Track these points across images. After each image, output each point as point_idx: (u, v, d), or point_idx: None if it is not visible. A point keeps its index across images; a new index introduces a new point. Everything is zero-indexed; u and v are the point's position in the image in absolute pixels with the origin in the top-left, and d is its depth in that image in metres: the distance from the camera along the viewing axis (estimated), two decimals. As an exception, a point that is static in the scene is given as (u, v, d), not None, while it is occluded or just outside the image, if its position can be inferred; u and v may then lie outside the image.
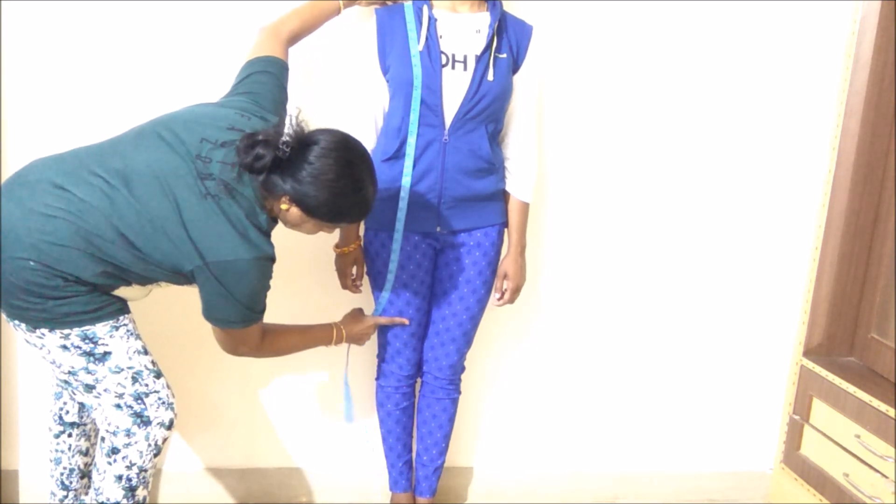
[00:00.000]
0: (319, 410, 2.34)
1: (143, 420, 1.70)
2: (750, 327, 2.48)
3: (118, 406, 1.69)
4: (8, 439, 2.24)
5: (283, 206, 1.64)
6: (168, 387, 1.74)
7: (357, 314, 2.09)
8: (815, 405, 2.35)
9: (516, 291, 2.12)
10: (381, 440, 2.24)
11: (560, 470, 2.51)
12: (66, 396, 1.92)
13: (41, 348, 1.65)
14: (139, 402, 1.69)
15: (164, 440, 1.74)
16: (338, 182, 1.60)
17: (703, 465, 2.56)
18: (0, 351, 2.17)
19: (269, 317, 1.77)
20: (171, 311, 2.12)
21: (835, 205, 2.32)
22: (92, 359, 1.65)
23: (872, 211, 2.30)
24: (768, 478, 2.57)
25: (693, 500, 2.56)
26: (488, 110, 1.93)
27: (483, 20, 1.94)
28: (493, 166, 2.00)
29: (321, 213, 1.64)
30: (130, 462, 1.71)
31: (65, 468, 1.96)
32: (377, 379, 2.19)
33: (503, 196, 2.08)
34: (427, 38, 1.90)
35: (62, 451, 1.95)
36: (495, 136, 2.02)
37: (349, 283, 2.12)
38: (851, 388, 2.18)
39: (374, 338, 2.15)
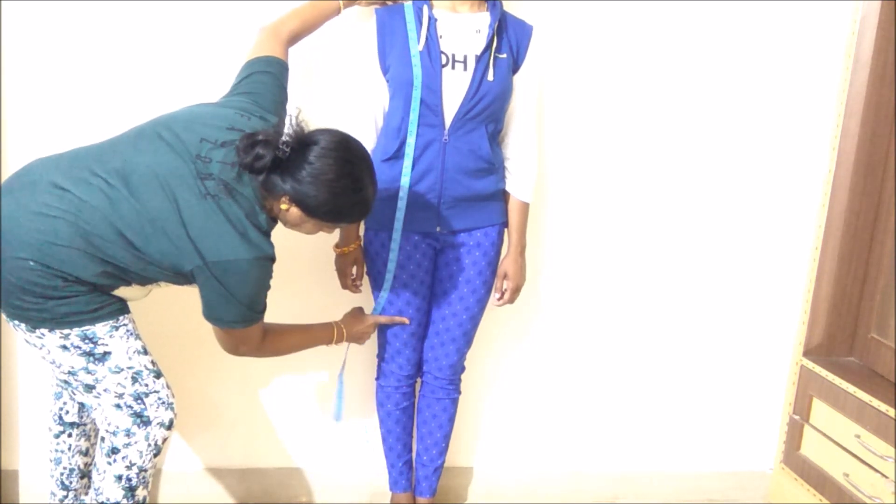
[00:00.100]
0: (319, 410, 2.34)
1: (142, 420, 1.70)
2: (750, 327, 2.48)
3: (118, 406, 1.69)
4: (8, 439, 2.24)
5: (283, 206, 1.64)
6: (168, 387, 1.74)
7: (357, 313, 2.09)
8: (815, 405, 2.35)
9: (516, 291, 2.12)
10: (381, 440, 2.24)
11: (560, 470, 2.51)
12: (66, 396, 1.92)
13: (41, 348, 1.65)
14: (139, 402, 1.69)
15: (164, 440, 1.74)
16: (338, 182, 1.60)
17: (703, 465, 2.56)
18: (0, 351, 2.17)
19: (269, 317, 1.77)
20: (171, 311, 2.12)
21: (835, 205, 2.32)
22: (92, 359, 1.65)
23: (872, 211, 2.30)
24: (768, 478, 2.57)
25: (693, 500, 2.56)
26: (488, 110, 1.93)
27: (483, 20, 1.94)
28: (493, 166, 2.00)
29: (321, 213, 1.64)
30: (130, 462, 1.71)
31: (65, 468, 1.96)
32: (377, 379, 2.19)
33: (503, 196, 2.08)
34: (427, 38, 1.90)
35: (62, 451, 1.95)
36: (495, 136, 2.02)
37: (349, 283, 2.12)
38: (851, 388, 2.18)
39: (374, 337, 2.15)
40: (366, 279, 2.12)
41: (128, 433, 1.69)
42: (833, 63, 2.31)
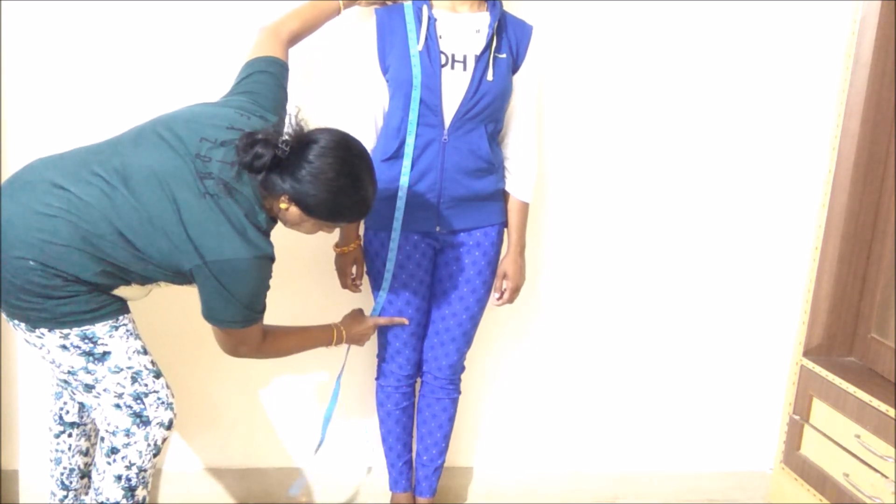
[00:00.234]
0: (319, 411, 2.34)
1: (142, 420, 1.70)
2: (750, 327, 2.48)
3: (117, 406, 1.68)
4: (8, 439, 2.24)
5: (283, 206, 1.64)
6: (168, 387, 1.74)
7: (357, 315, 2.08)
8: (815, 405, 2.35)
9: (516, 291, 2.12)
10: (381, 440, 2.24)
11: (560, 470, 2.51)
12: (66, 396, 1.92)
13: (41, 348, 1.65)
14: (138, 401, 1.69)
15: (164, 440, 1.74)
16: (337, 181, 1.60)
17: (703, 465, 2.56)
18: (0, 351, 2.17)
19: (269, 316, 1.77)
20: (171, 311, 2.12)
21: (835, 205, 2.32)
22: (91, 358, 1.65)
23: (872, 211, 2.30)
24: (768, 478, 2.57)
25: (693, 500, 2.56)
26: (488, 110, 1.93)
27: (483, 20, 1.94)
28: (493, 166, 2.00)
29: (320, 212, 1.64)
30: (130, 462, 1.70)
31: (65, 468, 1.96)
32: (377, 379, 2.19)
33: (503, 196, 2.08)
34: (427, 38, 1.90)
35: (62, 451, 1.95)
36: (495, 136, 2.02)
37: (349, 283, 2.12)
38: (851, 388, 2.18)
39: (374, 337, 2.15)
40: (365, 279, 2.12)
41: (127, 433, 1.69)
42: (833, 63, 2.31)
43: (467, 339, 2.13)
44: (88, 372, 1.66)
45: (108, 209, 1.57)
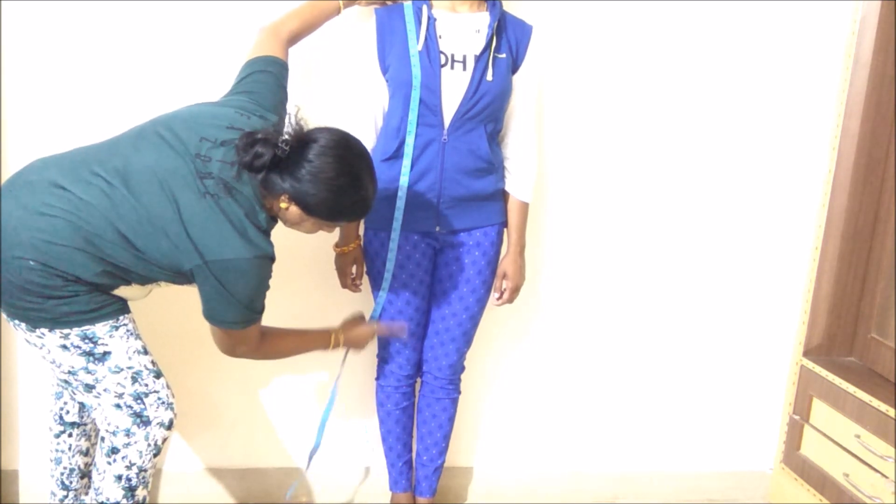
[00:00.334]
0: (319, 411, 2.34)
1: (142, 420, 1.70)
2: (750, 328, 2.48)
3: (118, 406, 1.69)
4: (8, 439, 2.24)
5: (283, 205, 1.64)
6: (168, 387, 1.74)
7: (356, 321, 2.05)
8: (815, 405, 2.35)
9: (515, 291, 2.12)
10: (381, 440, 2.24)
11: (560, 470, 2.51)
12: (66, 396, 1.92)
13: (41, 348, 1.65)
14: (139, 401, 1.69)
15: (164, 440, 1.74)
16: (337, 180, 1.60)
17: (703, 465, 2.56)
18: (0, 351, 2.17)
19: (269, 316, 1.77)
20: (171, 311, 2.12)
21: (835, 205, 2.32)
22: (91, 358, 1.65)
23: (872, 211, 2.30)
24: (768, 478, 2.57)
25: (693, 500, 2.56)
26: (487, 110, 1.93)
27: (482, 20, 1.94)
28: (493, 166, 2.00)
29: (320, 211, 1.64)
30: (130, 462, 1.71)
31: (65, 468, 1.96)
32: (377, 379, 2.19)
33: (502, 196, 2.08)
34: (426, 38, 1.90)
35: (62, 451, 1.95)
36: (494, 136, 2.02)
37: (349, 283, 2.12)
38: (851, 388, 2.18)
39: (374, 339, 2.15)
40: (365, 279, 2.12)
41: (127, 433, 1.69)
42: (833, 63, 2.31)
43: (467, 339, 2.13)
44: (89, 372, 1.66)
45: (108, 209, 1.57)
